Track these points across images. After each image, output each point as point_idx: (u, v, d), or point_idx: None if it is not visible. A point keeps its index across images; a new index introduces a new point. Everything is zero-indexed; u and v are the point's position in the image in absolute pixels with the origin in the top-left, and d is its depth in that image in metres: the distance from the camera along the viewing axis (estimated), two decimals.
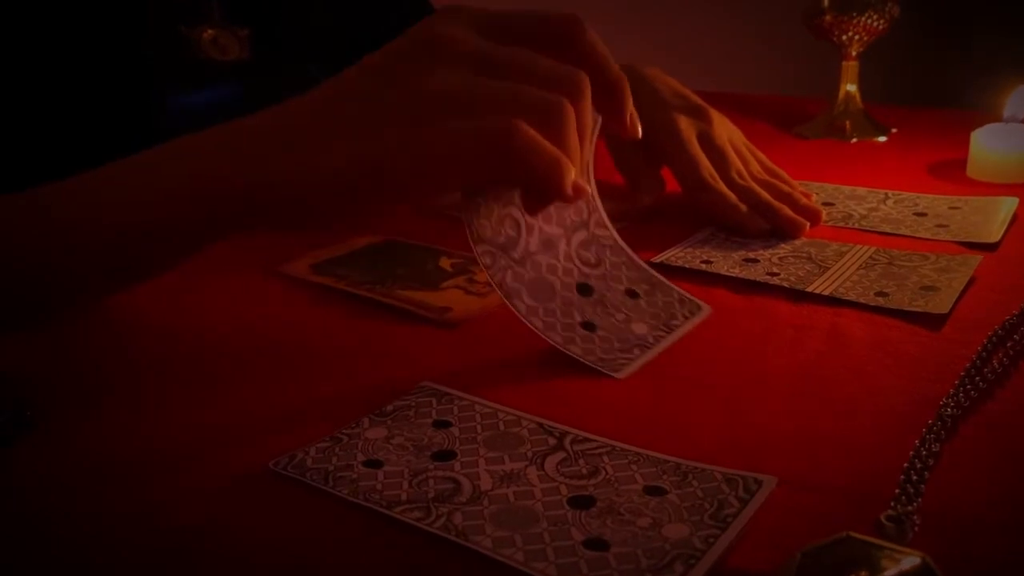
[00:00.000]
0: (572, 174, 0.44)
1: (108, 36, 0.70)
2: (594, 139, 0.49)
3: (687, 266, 0.64)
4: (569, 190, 0.44)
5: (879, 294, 0.59)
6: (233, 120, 0.48)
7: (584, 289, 0.51)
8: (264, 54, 0.77)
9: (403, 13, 0.88)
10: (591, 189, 0.52)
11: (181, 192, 0.47)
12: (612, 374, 0.49)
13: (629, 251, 0.54)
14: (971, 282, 0.60)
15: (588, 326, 0.50)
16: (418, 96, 0.44)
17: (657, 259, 0.65)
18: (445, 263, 0.65)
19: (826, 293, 0.59)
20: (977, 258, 0.64)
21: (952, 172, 0.86)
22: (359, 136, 0.44)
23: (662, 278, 0.54)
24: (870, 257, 0.65)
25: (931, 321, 0.55)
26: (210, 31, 0.75)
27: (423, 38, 0.45)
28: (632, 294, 0.53)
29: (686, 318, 0.54)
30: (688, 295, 0.55)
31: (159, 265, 0.51)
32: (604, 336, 0.51)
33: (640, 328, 0.52)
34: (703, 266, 0.63)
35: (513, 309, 0.49)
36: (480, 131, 0.43)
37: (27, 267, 0.49)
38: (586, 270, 0.52)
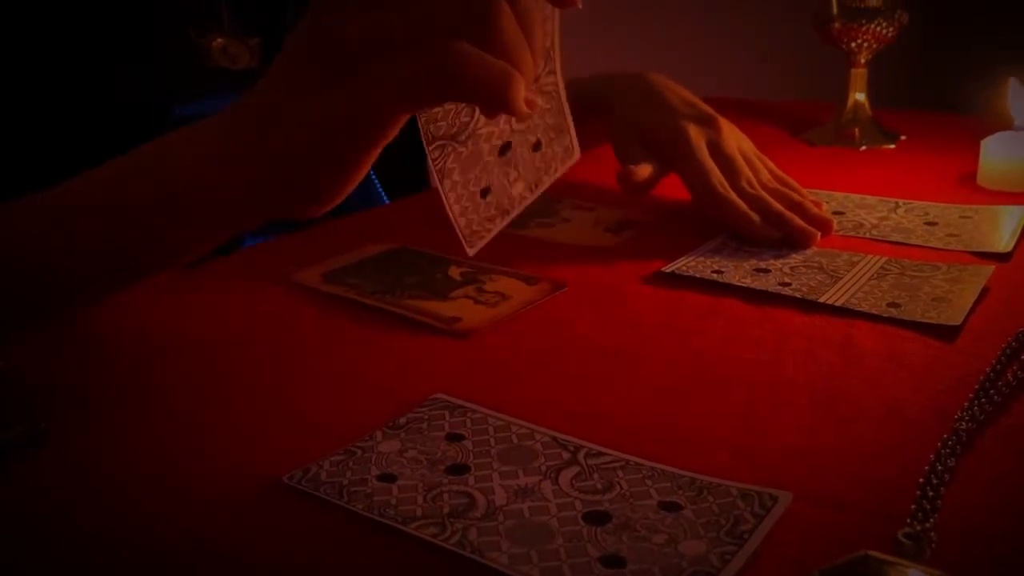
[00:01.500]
0: (521, 88, 0.41)
1: (117, 44, 0.70)
2: (554, 25, 0.47)
3: (698, 276, 0.63)
4: (521, 105, 0.41)
5: (891, 305, 0.58)
6: (203, 120, 0.49)
7: (504, 149, 0.50)
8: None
9: None
10: (555, 60, 0.48)
11: (174, 195, 0.48)
12: (468, 249, 0.48)
13: (563, 96, 0.51)
14: (984, 292, 0.60)
15: (485, 192, 0.49)
16: (341, 47, 0.42)
17: (668, 268, 0.65)
18: (454, 272, 0.65)
19: (839, 304, 0.59)
20: (989, 268, 0.63)
21: (963, 179, 0.86)
22: (307, 104, 0.44)
23: (570, 121, 0.51)
24: (881, 267, 0.65)
25: (944, 332, 0.55)
26: (220, 40, 0.75)
27: None
28: (536, 146, 0.51)
29: (556, 171, 0.51)
30: (575, 141, 0.52)
31: (158, 265, 0.52)
32: (489, 202, 0.49)
33: (517, 188, 0.50)
34: (714, 276, 0.63)
35: (440, 191, 0.47)
36: (414, 71, 0.41)
37: (27, 267, 0.50)
38: (517, 126, 0.50)
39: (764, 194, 0.72)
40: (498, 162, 0.49)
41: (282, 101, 0.45)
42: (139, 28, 0.71)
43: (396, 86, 0.42)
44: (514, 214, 0.50)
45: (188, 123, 0.69)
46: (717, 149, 0.75)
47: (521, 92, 0.41)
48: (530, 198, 0.50)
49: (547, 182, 0.51)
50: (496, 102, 0.41)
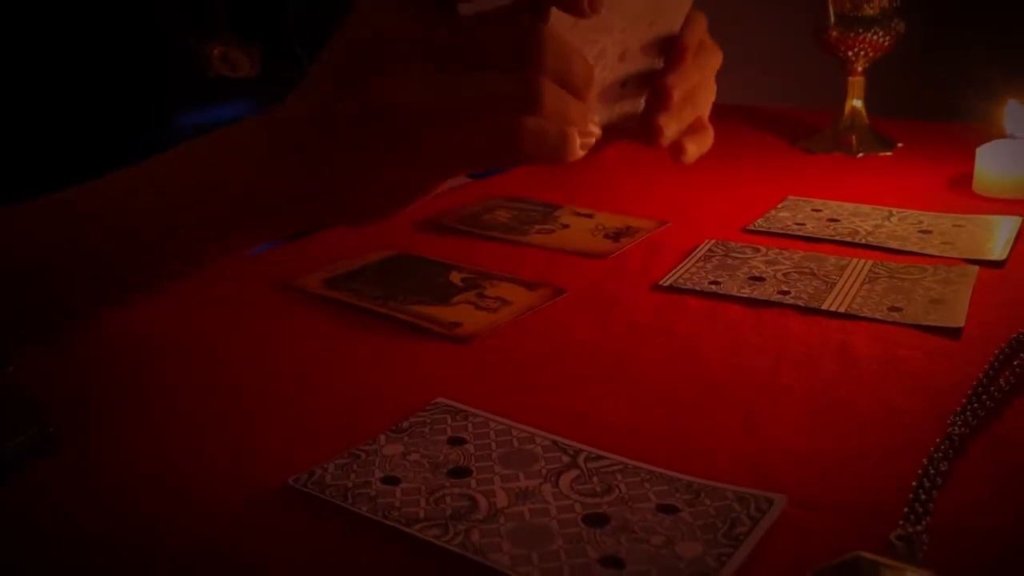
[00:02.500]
0: (575, 141, 0.44)
1: (116, 52, 0.69)
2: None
3: (697, 288, 0.64)
4: (576, 154, 0.44)
5: (892, 309, 0.59)
6: (227, 136, 0.49)
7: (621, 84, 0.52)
8: (275, 71, 0.77)
9: None
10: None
11: (190, 214, 0.49)
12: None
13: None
14: (978, 298, 0.61)
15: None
16: (396, 117, 0.43)
17: (664, 282, 0.65)
18: (455, 278, 0.66)
19: (841, 310, 0.60)
20: (974, 268, 0.65)
21: (959, 187, 0.87)
22: (365, 173, 0.46)
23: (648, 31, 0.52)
24: (870, 271, 0.66)
25: (942, 336, 0.56)
26: (220, 47, 0.75)
27: (363, 37, 0.44)
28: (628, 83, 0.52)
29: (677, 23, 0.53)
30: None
31: (179, 273, 0.52)
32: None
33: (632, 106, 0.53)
34: (712, 287, 0.64)
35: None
36: (477, 148, 0.43)
37: (27, 278, 0.50)
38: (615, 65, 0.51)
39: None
40: (619, 93, 0.51)
41: (329, 156, 0.46)
42: (139, 36, 0.71)
43: (460, 160, 0.44)
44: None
45: (189, 132, 0.68)
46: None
47: (575, 145, 0.44)
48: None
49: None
50: (554, 161, 0.44)
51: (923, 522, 0.38)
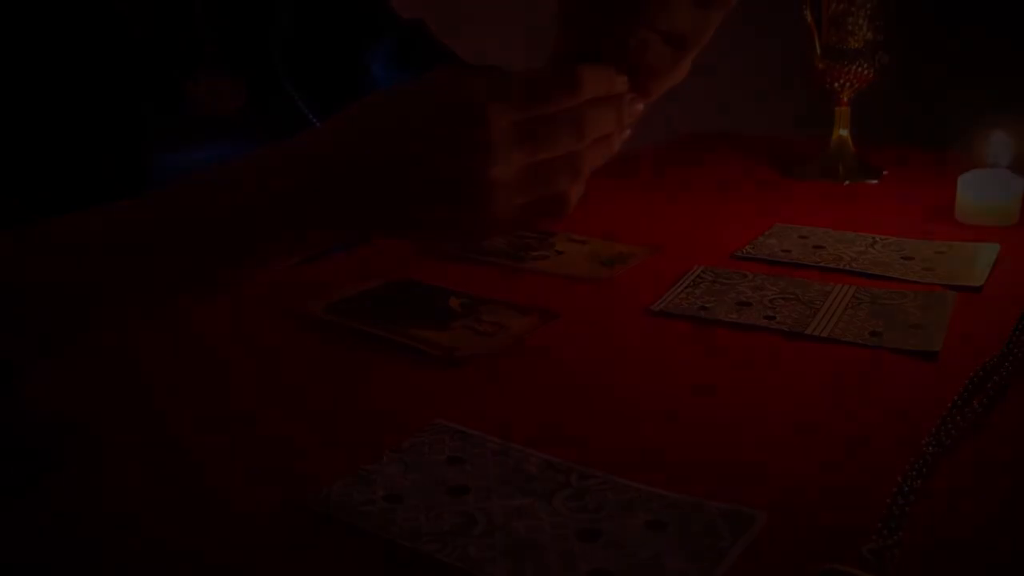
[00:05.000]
0: None
1: (94, 86, 0.68)
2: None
3: (687, 313, 0.67)
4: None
5: (873, 334, 0.62)
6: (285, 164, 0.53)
7: None
8: (261, 105, 0.77)
9: (403, 49, 0.90)
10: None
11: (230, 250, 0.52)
12: None
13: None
14: (956, 323, 0.64)
15: None
16: (484, 179, 0.50)
17: (656, 307, 0.68)
18: (454, 303, 0.68)
19: (824, 335, 0.62)
20: (952, 295, 0.68)
21: (941, 214, 0.89)
22: (429, 218, 0.53)
23: None
24: (853, 296, 0.68)
25: (920, 359, 0.59)
26: (203, 80, 0.73)
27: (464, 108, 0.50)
28: None
29: None
30: None
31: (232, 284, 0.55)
32: None
33: None
34: (701, 312, 0.66)
35: None
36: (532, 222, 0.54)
37: (28, 296, 0.51)
38: None
39: None
40: None
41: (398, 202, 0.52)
42: (118, 70, 0.69)
43: (511, 228, 0.54)
44: None
45: (171, 171, 0.67)
46: None
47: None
48: None
49: None
50: None
51: (895, 536, 0.41)
